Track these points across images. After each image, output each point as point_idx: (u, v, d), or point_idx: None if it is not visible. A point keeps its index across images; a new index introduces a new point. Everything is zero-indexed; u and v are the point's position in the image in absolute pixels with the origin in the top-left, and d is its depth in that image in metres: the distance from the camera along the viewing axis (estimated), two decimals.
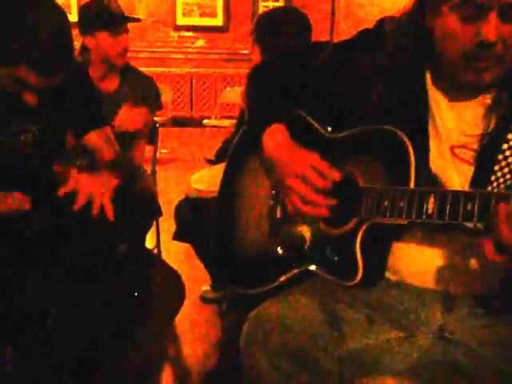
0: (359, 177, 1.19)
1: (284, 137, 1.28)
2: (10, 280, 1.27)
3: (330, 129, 1.37)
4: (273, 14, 2.25)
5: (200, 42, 8.65)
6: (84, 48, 2.38)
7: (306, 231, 1.30)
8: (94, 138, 1.67)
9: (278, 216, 1.35)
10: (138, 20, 2.52)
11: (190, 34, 8.59)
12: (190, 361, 2.10)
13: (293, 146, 1.26)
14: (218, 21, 8.63)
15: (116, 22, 2.30)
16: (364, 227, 1.15)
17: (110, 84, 2.42)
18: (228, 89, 7.18)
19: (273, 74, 1.38)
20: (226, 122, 6.67)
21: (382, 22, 1.25)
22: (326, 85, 1.32)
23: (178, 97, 8.21)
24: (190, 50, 8.61)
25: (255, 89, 1.40)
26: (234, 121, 6.58)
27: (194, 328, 2.31)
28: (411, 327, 1.16)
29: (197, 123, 7.87)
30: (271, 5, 8.96)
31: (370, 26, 1.29)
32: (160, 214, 2.43)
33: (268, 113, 1.33)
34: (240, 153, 1.49)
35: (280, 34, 2.07)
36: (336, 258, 1.21)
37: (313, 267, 1.25)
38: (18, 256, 1.30)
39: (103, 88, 2.36)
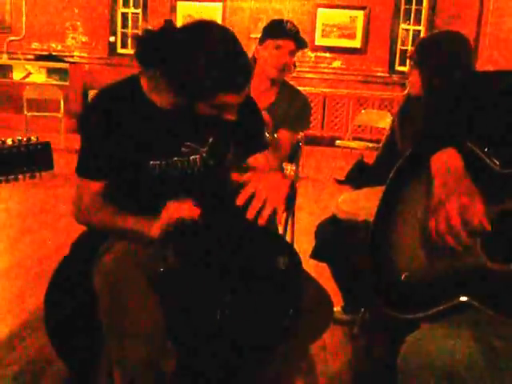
0: None
1: (457, 161, 1.30)
2: (178, 283, 1.37)
3: (498, 162, 1.35)
4: (436, 37, 2.21)
5: (336, 63, 8.72)
6: (252, 60, 2.51)
7: (466, 263, 1.29)
8: (258, 161, 1.72)
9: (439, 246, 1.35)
10: (305, 44, 2.60)
11: (327, 54, 8.69)
12: (321, 380, 2.13)
13: (465, 173, 1.28)
14: (357, 42, 8.66)
15: (285, 34, 2.42)
16: None
17: (267, 99, 2.52)
18: (363, 111, 7.15)
19: (448, 100, 1.40)
20: (358, 144, 6.65)
21: None
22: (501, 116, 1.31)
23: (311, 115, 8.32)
24: (326, 70, 8.71)
25: (431, 112, 1.42)
26: (367, 143, 6.57)
27: (324, 348, 2.33)
28: None
29: (326, 142, 7.93)
30: (411, 28, 8.83)
31: None
32: None
33: (441, 137, 1.35)
34: (402, 178, 1.50)
35: (442, 58, 2.04)
36: (499, 294, 1.20)
37: (472, 300, 1.24)
38: (187, 263, 1.40)
39: (259, 102, 2.46)
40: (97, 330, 1.47)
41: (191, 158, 1.63)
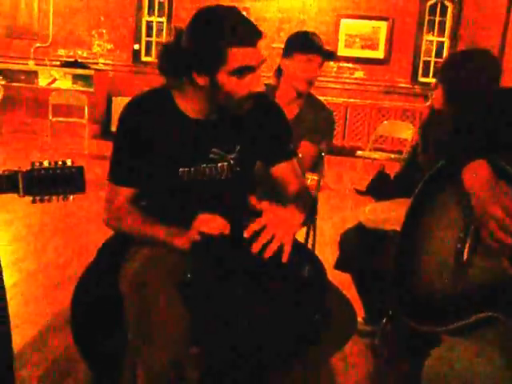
0: None
1: (488, 171, 1.33)
2: (205, 289, 1.39)
3: None
4: (463, 57, 2.19)
5: (359, 74, 8.72)
6: (278, 71, 2.54)
7: (492, 276, 1.29)
8: (283, 169, 1.72)
9: (465, 259, 1.35)
10: (333, 57, 2.61)
11: (349, 65, 8.69)
12: None
13: (497, 179, 1.32)
14: (379, 53, 8.65)
15: (315, 48, 2.44)
16: None
17: (291, 111, 2.52)
18: (385, 122, 7.13)
19: (476, 114, 1.41)
20: (380, 155, 6.63)
21: None
22: None
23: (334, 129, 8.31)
24: (348, 80, 8.71)
25: (459, 128, 1.44)
26: (388, 154, 6.55)
27: (345, 358, 2.32)
28: None
29: (347, 152, 7.91)
30: (435, 39, 8.80)
31: None
32: None
33: (470, 149, 1.37)
34: (430, 191, 1.51)
35: (467, 81, 2.02)
36: None
37: (499, 314, 1.24)
38: (210, 268, 1.43)
39: None
40: (121, 332, 1.50)
41: (219, 164, 1.65)
